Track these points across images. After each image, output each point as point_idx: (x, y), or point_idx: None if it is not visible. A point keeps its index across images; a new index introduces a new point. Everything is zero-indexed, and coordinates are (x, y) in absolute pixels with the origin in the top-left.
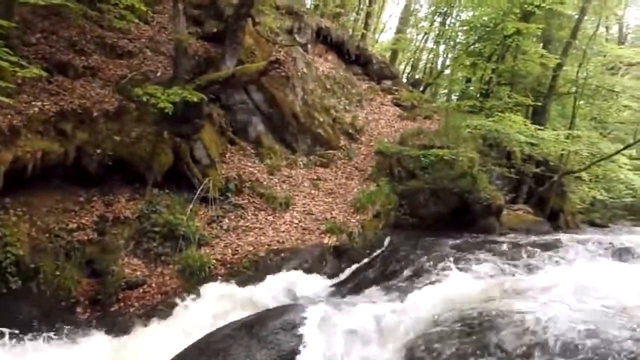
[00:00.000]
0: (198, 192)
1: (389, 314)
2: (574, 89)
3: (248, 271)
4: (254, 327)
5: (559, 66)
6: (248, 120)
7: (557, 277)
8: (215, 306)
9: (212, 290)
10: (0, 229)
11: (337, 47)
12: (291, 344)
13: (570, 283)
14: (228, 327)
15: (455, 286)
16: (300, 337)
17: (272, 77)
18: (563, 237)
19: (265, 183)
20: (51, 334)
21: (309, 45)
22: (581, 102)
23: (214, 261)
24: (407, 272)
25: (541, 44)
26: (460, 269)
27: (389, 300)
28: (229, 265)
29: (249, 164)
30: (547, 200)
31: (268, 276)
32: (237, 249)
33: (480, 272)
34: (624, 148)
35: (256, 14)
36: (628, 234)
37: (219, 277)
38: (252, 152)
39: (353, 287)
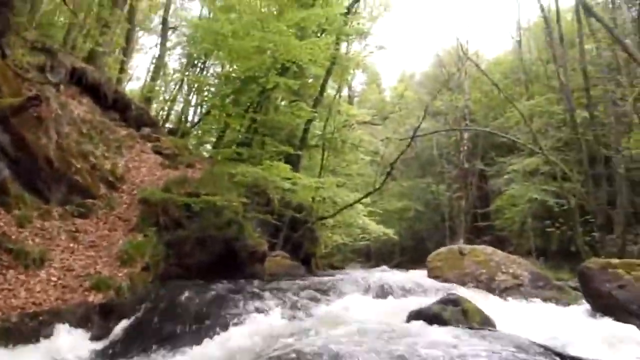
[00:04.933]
0: None
1: None
2: (321, 142)
3: None
4: None
5: (309, 121)
6: None
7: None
8: None
9: None
10: None
11: (93, 90)
12: None
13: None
14: None
15: (238, 335)
16: None
17: (22, 117)
18: (327, 278)
19: (14, 237)
20: None
21: (62, 86)
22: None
23: None
24: (182, 325)
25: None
26: (239, 316)
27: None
28: None
29: None
30: (301, 246)
31: (26, 345)
32: None
33: (258, 317)
34: (366, 196)
35: (5, 46)
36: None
37: None
38: None
39: (125, 347)
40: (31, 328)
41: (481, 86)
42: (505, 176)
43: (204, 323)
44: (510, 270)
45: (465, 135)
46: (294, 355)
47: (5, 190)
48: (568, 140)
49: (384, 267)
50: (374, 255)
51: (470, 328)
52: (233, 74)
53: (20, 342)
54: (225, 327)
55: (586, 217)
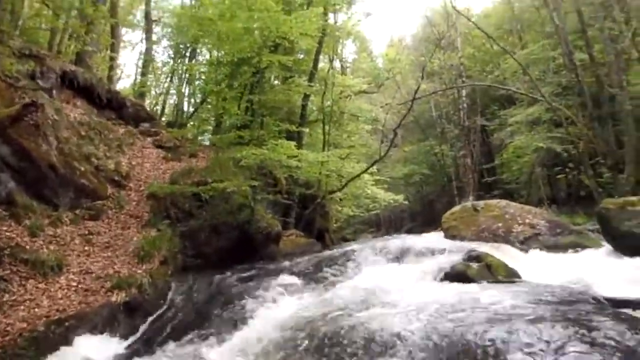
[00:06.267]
0: None
1: None
2: (320, 116)
3: (27, 351)
4: None
5: (307, 96)
6: None
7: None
8: None
9: None
10: None
11: (86, 92)
12: None
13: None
14: None
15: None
16: None
17: (19, 126)
18: (343, 250)
19: (28, 247)
20: None
21: (54, 91)
22: (329, 127)
23: None
24: (209, 315)
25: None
26: (265, 299)
27: (217, 340)
28: (0, 350)
29: (4, 228)
30: (313, 222)
31: (54, 352)
32: (7, 328)
33: (286, 298)
34: (371, 165)
35: None
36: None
37: None
38: (4, 214)
39: (154, 342)
40: (58, 335)
41: (473, 41)
42: (508, 128)
43: (231, 310)
44: (527, 221)
45: (464, 92)
46: (329, 335)
47: (12, 201)
48: (568, 84)
49: (396, 234)
50: (384, 224)
51: (497, 282)
52: (224, 58)
53: (49, 349)
54: (253, 312)
55: (596, 159)
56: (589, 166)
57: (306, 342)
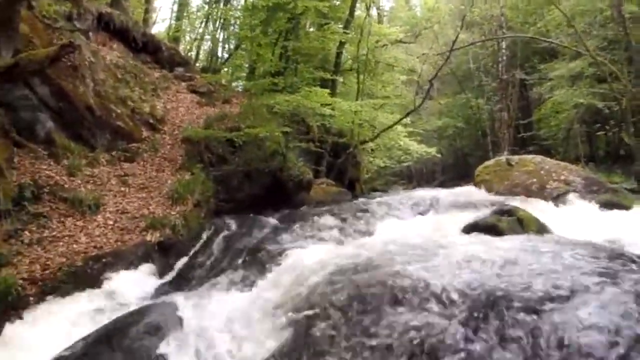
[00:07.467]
0: None
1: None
2: (355, 65)
3: (66, 285)
4: (113, 337)
5: (342, 44)
6: (34, 117)
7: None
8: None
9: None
10: None
11: (122, 35)
12: (161, 346)
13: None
14: (82, 342)
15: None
16: (168, 337)
17: (58, 67)
18: (375, 200)
19: (67, 186)
20: None
21: (91, 33)
22: (364, 76)
23: (21, 281)
24: (246, 254)
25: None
26: (297, 243)
27: (247, 280)
28: (40, 283)
29: (44, 166)
30: (344, 172)
31: (92, 286)
32: (47, 262)
33: (323, 239)
34: (405, 116)
35: None
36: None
37: (31, 298)
38: (44, 154)
39: (188, 280)
40: (96, 270)
41: None
42: (548, 83)
43: (263, 253)
44: (562, 177)
45: (503, 44)
46: (359, 269)
47: (51, 141)
48: (615, 38)
49: (428, 187)
50: (416, 176)
51: (527, 235)
52: (259, 4)
53: (87, 283)
54: (284, 256)
55: (639, 117)
56: (631, 124)
57: (337, 286)
